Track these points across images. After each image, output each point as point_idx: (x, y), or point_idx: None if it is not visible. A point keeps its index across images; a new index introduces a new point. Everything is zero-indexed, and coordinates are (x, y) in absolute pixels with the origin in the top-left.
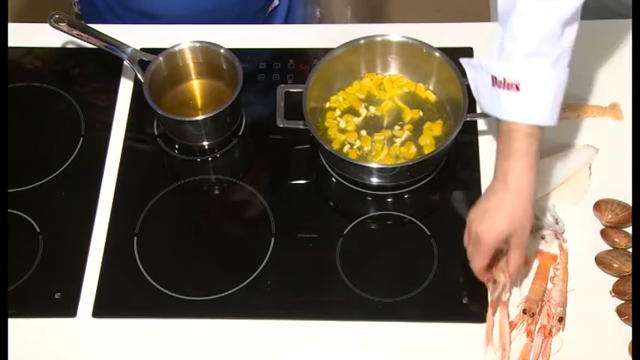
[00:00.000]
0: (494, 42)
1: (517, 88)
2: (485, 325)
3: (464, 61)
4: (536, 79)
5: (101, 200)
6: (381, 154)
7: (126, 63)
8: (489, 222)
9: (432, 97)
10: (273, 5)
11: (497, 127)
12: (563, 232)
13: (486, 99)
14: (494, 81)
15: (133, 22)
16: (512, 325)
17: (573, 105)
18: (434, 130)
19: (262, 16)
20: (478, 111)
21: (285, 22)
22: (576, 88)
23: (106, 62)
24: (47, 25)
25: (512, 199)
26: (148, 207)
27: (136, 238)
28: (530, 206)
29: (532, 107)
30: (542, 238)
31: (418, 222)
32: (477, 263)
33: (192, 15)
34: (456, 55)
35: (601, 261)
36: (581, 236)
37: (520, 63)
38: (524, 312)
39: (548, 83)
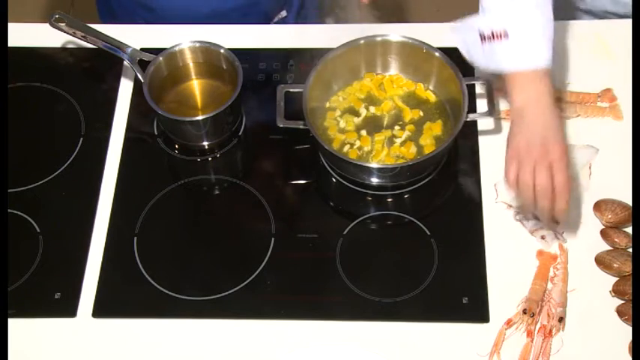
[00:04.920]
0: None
1: (506, 35)
2: (495, 338)
3: (452, 27)
4: (522, 21)
5: (101, 200)
6: (381, 154)
7: (126, 63)
8: (527, 137)
9: (432, 97)
10: (279, 16)
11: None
12: (563, 232)
13: (480, 58)
14: (483, 37)
15: (133, 13)
16: (510, 324)
17: (573, 103)
18: (434, 130)
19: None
20: (478, 111)
21: None
22: (576, 88)
23: (106, 62)
24: (47, 25)
25: (537, 122)
26: (148, 207)
27: (135, 238)
28: (559, 126)
29: (525, 51)
30: (542, 238)
31: (418, 222)
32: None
33: (190, 18)
34: (456, 55)
35: (601, 261)
36: (581, 236)
37: (502, 11)
38: (524, 312)
39: (535, 23)
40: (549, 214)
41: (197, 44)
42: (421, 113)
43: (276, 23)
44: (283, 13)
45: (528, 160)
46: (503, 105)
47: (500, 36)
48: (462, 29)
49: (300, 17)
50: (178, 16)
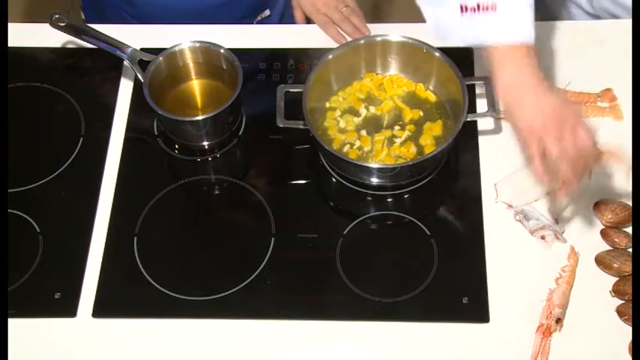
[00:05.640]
0: None
1: (494, 7)
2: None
3: (421, 2)
4: None
5: (101, 200)
6: (381, 154)
7: (126, 63)
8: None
9: (432, 97)
10: (262, 15)
11: (487, 58)
12: (563, 232)
13: (455, 32)
14: (465, 9)
15: (120, 9)
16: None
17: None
18: (434, 130)
19: (249, 23)
20: (478, 111)
21: None
22: (576, 87)
23: (106, 62)
24: (47, 25)
25: (538, 95)
26: (148, 207)
27: (135, 238)
28: (559, 94)
29: (512, 25)
30: (542, 238)
31: (418, 222)
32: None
33: (171, 13)
34: (456, 55)
35: (601, 261)
36: (581, 236)
37: None
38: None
39: None
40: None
41: (197, 44)
42: (421, 113)
43: (259, 23)
44: (267, 12)
45: (548, 135)
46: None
47: (488, 8)
48: (435, 3)
49: (284, 17)
50: (159, 10)
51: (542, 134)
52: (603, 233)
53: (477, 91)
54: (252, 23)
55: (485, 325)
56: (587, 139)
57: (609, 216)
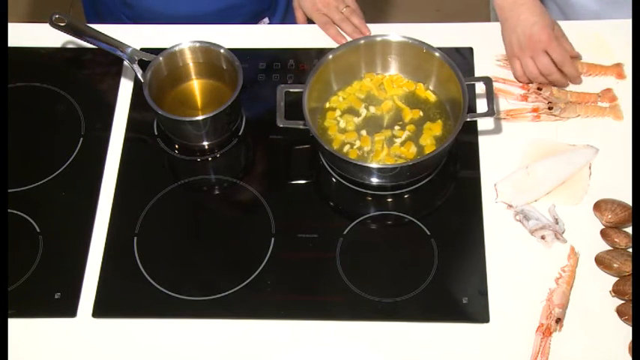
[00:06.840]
0: None
1: None
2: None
3: None
4: None
5: (101, 200)
6: (381, 154)
7: (126, 63)
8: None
9: (432, 97)
10: (262, 23)
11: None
12: (563, 232)
13: None
14: None
15: (117, 11)
16: (525, 97)
17: (573, 103)
18: (434, 130)
19: None
20: (478, 111)
21: None
22: (576, 88)
23: (106, 62)
24: (47, 25)
25: (519, 20)
26: (147, 207)
27: (135, 238)
28: (540, 18)
29: None
30: (542, 238)
31: (418, 222)
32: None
33: (168, 18)
34: (456, 55)
35: (601, 261)
36: (581, 236)
37: None
38: (539, 89)
39: None
40: (566, 83)
41: (197, 44)
42: (421, 113)
43: None
44: (266, 20)
45: (524, 55)
46: (503, 105)
47: None
48: None
49: (285, 23)
50: (156, 14)
51: (519, 56)
52: (603, 233)
53: (477, 91)
54: None
55: (485, 325)
56: (559, 57)
57: (609, 216)
